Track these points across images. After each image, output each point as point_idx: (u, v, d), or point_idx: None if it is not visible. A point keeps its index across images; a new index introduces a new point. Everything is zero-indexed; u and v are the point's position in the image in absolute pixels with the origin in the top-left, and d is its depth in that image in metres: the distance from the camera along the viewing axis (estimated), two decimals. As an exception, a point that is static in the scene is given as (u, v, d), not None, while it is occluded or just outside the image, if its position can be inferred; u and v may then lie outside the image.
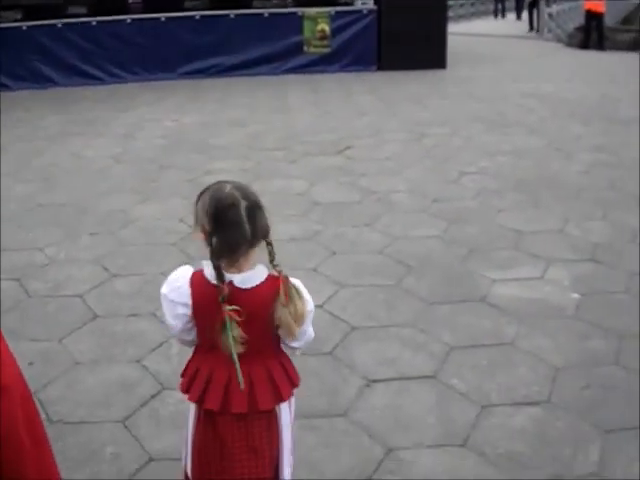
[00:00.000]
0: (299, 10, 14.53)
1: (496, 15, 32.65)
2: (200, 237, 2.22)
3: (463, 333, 4.33)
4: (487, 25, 28.61)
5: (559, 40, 23.87)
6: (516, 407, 3.61)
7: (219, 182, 2.26)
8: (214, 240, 2.16)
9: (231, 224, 2.16)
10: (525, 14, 27.83)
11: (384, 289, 4.95)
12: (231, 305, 2.18)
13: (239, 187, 2.22)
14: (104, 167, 8.13)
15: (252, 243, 2.20)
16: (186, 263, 2.49)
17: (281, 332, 2.31)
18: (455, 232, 5.99)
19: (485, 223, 6.16)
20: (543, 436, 3.38)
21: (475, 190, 7.12)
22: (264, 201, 2.20)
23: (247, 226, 2.16)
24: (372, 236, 5.90)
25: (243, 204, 2.16)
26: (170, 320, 2.34)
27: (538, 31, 24.66)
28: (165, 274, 2.27)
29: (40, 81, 13.99)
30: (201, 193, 2.25)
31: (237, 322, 2.18)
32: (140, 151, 8.77)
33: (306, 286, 2.29)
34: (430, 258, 5.47)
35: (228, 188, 2.20)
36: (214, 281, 2.20)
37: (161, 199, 6.90)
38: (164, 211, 6.53)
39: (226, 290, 2.18)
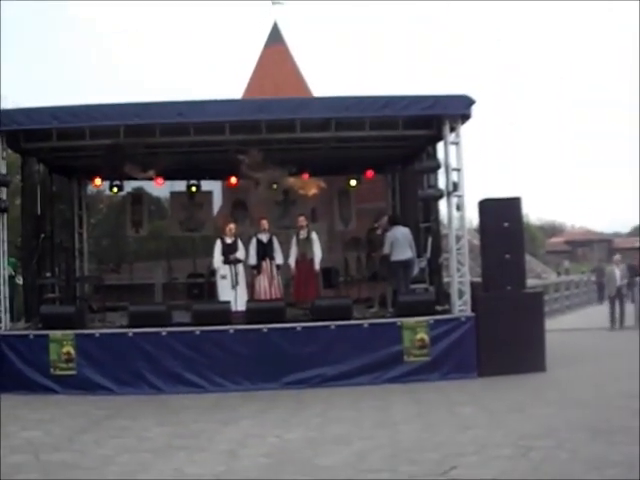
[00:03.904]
0: (398, 320, 14.77)
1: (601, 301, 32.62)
2: None
3: None
4: (584, 318, 28.53)
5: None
6: None
7: None
8: None
9: None
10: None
11: None
12: None
13: None
14: (209, 487, 8.10)
15: None
16: None
17: None
18: None
19: None
20: None
21: (588, 510, 6.89)
22: None
23: None
24: None
25: None
26: None
27: (622, 327, 24.09)
28: None
29: (143, 387, 14.27)
30: None
31: None
32: (244, 470, 8.67)
33: None
34: None
35: None
36: None
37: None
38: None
39: None
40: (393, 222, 16.95)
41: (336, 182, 21.57)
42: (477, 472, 8.31)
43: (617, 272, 24.71)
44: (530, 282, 24.84)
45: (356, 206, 22.16)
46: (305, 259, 17.12)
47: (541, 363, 15.02)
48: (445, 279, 16.85)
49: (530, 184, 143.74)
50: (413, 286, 16.69)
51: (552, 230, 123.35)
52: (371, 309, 17.22)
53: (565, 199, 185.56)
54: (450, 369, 14.61)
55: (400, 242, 16.12)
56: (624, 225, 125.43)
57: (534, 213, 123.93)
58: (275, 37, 30.83)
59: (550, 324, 22.49)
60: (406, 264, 16.17)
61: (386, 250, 16.23)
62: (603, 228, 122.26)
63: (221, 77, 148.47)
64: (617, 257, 27.18)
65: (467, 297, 15.13)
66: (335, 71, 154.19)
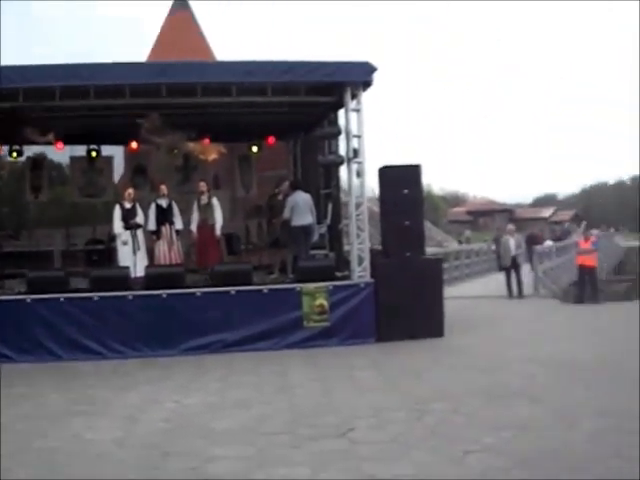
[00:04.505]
0: (297, 286, 14.84)
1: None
2: None
3: None
4: (484, 286, 28.93)
5: (554, 296, 24.35)
6: None
7: None
8: None
9: None
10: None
11: None
12: None
13: None
14: (105, 452, 8.00)
15: None
16: None
17: None
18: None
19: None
20: None
21: (480, 470, 7.03)
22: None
23: None
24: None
25: None
26: None
27: (521, 296, 24.37)
28: None
29: (42, 354, 14.02)
30: None
31: None
32: (142, 435, 8.65)
33: None
34: None
35: None
36: None
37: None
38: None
39: None
40: (294, 187, 16.95)
41: (237, 148, 21.52)
42: (373, 435, 8.45)
43: (512, 242, 24.98)
44: (431, 250, 25.21)
45: (258, 173, 22.12)
46: (206, 225, 17.05)
47: (439, 329, 15.29)
48: (345, 246, 16.99)
49: (434, 155, 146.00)
50: (313, 252, 16.73)
51: (455, 200, 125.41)
52: (271, 275, 17.26)
53: (468, 170, 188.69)
54: (349, 335, 14.75)
55: (301, 207, 16.14)
56: (526, 197, 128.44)
57: (437, 183, 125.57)
58: (180, 3, 30.53)
59: (450, 292, 22.96)
60: (306, 230, 16.21)
61: (286, 215, 16.22)
62: (505, 199, 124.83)
63: (125, 43, 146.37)
64: (511, 227, 27.48)
65: (366, 263, 15.25)
66: (242, 40, 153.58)
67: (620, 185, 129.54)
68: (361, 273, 15.21)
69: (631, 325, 17.51)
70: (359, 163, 15.37)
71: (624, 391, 10.18)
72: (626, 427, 8.30)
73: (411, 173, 15.63)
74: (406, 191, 15.30)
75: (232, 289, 14.58)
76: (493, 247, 36.10)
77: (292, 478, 6.97)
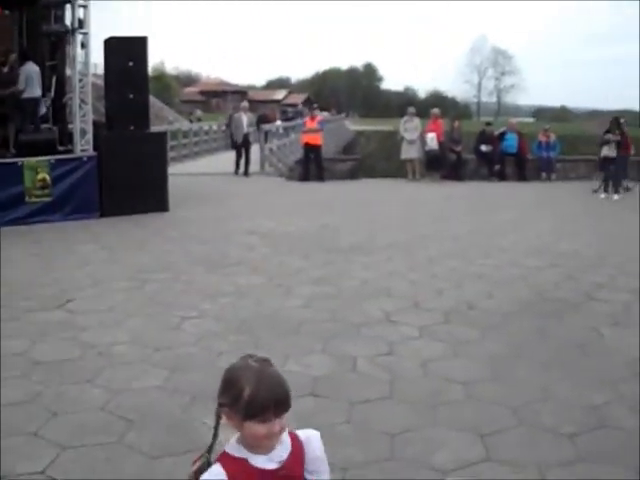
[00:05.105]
0: (19, 160, 14.30)
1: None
2: None
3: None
4: (213, 163, 28.97)
5: (281, 174, 24.87)
6: None
7: None
8: None
9: None
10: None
11: (107, 447, 4.96)
12: None
13: None
14: None
15: None
16: None
17: None
18: (176, 380, 6.10)
19: (206, 368, 6.26)
20: None
21: (196, 335, 7.33)
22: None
23: None
24: (93, 392, 5.90)
25: None
26: None
27: (246, 174, 24.42)
28: None
29: None
30: None
31: None
32: None
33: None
34: (151, 410, 5.54)
35: None
36: None
37: None
38: None
39: None
40: (25, 58, 16.16)
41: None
42: (92, 304, 8.53)
43: (244, 118, 25.03)
44: (161, 128, 24.93)
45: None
46: None
47: (164, 204, 15.41)
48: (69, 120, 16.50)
49: (167, 32, 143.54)
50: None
51: (188, 80, 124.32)
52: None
53: (201, 49, 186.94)
54: (72, 209, 14.48)
55: (33, 79, 15.45)
56: (259, 79, 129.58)
57: (170, 62, 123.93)
58: None
59: (178, 168, 23.03)
60: (37, 102, 15.56)
61: (22, 86, 15.37)
62: (239, 80, 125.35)
63: None
64: (244, 104, 27.51)
65: (89, 136, 14.92)
66: None
67: (352, 72, 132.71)
68: (84, 147, 14.87)
69: (351, 201, 18.36)
70: (84, 34, 14.87)
71: (339, 261, 10.77)
72: (340, 294, 8.91)
73: (137, 45, 15.22)
74: (131, 63, 14.89)
75: (-53, 164, 13.85)
76: (223, 127, 36.30)
77: (8, 350, 6.89)
